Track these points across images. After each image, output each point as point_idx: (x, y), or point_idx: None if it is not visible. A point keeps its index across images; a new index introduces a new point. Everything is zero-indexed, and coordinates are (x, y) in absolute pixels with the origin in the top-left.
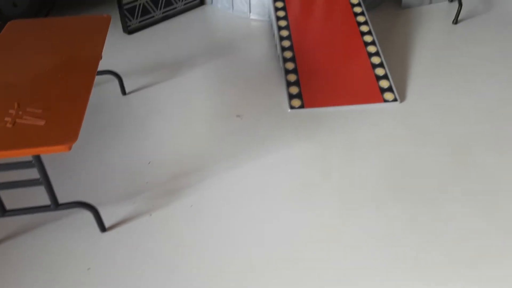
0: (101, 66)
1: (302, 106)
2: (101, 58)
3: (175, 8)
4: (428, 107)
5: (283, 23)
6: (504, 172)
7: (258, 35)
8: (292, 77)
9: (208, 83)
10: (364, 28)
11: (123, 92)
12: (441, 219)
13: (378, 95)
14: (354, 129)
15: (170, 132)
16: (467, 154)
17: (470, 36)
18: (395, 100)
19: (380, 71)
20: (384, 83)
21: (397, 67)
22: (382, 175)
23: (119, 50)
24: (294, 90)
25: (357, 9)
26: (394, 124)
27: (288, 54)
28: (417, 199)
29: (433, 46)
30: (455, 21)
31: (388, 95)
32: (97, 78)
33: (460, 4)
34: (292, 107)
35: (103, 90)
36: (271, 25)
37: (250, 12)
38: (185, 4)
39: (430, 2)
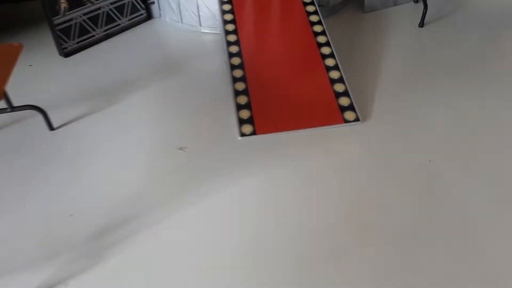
0: (28, 97)
1: (254, 133)
2: (2, 96)
3: (119, 24)
4: (394, 125)
5: (232, 37)
6: (478, 203)
7: (210, 50)
8: (242, 99)
9: (150, 110)
10: (322, 39)
11: (50, 127)
12: (410, 266)
13: (338, 115)
14: (312, 157)
15: (102, 173)
16: (437, 182)
17: (438, 39)
18: (356, 120)
19: (339, 87)
20: (344, 101)
21: (359, 81)
22: (343, 214)
23: (53, 76)
24: (245, 114)
25: (314, 18)
26: (357, 149)
27: (238, 73)
28: (384, 243)
29: (398, 53)
30: (421, 23)
31: (349, 115)
32: (19, 114)
33: (426, 6)
34: (242, 135)
35: (25, 127)
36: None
37: (200, 25)
38: (130, 19)
39: (395, 4)
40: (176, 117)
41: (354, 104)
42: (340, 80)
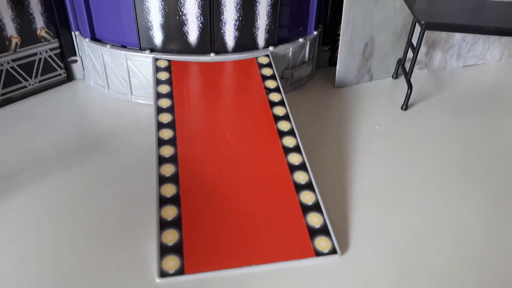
0: None
1: (180, 271)
2: None
3: (25, 87)
4: (385, 257)
5: (166, 117)
6: None
7: (142, 126)
8: (169, 212)
9: (20, 226)
10: (284, 126)
11: None
12: None
13: (306, 244)
14: None
15: None
16: None
17: (427, 128)
18: (332, 252)
19: (307, 197)
20: (315, 220)
21: (332, 190)
22: None
23: None
24: (170, 237)
25: (275, 97)
26: None
27: (168, 170)
28: None
29: (380, 146)
30: (405, 106)
31: (321, 243)
32: None
33: (410, 86)
34: (163, 274)
35: None
36: None
37: (131, 93)
38: (42, 81)
39: (370, 79)
40: (59, 241)
41: (329, 227)
42: (309, 186)
